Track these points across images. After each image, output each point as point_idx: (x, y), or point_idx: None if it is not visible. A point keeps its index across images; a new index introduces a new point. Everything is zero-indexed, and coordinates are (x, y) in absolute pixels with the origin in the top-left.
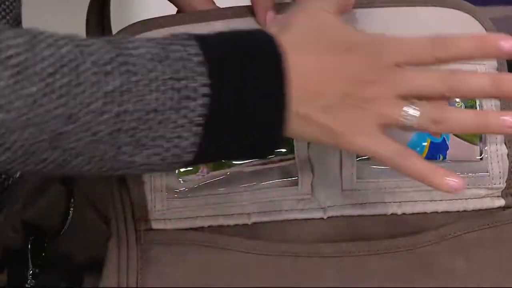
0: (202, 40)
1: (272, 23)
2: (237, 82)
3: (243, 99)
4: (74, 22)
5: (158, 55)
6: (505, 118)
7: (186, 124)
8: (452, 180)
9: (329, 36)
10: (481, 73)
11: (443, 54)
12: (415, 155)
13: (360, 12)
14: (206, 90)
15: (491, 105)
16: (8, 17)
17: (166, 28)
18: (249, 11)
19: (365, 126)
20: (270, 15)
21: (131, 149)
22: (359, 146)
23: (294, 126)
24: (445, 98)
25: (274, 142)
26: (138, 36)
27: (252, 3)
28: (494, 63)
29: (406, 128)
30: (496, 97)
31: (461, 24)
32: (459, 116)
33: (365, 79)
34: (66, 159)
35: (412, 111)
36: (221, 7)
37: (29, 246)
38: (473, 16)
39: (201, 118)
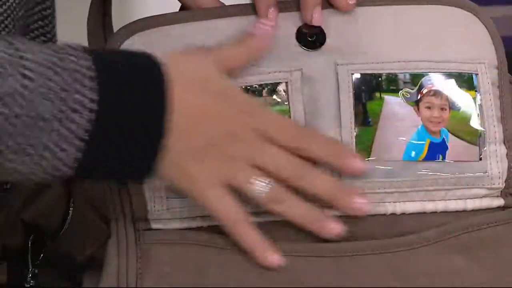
0: (97, 55)
1: (165, 56)
2: (124, 103)
3: (126, 121)
4: (76, 20)
5: (55, 65)
6: (355, 201)
7: (70, 137)
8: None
9: (216, 86)
10: (330, 179)
11: (303, 145)
12: (250, 228)
13: (362, 11)
14: (94, 106)
15: (491, 104)
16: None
17: (166, 27)
18: (253, 8)
19: (217, 182)
20: (272, 13)
21: (14, 155)
22: (203, 199)
23: (165, 162)
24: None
25: (149, 169)
26: (137, 34)
27: (254, 0)
28: (494, 63)
29: (250, 197)
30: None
31: (463, 23)
32: (296, 204)
33: (237, 135)
34: None
35: (262, 185)
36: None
37: (29, 246)
38: (474, 15)
39: (86, 133)
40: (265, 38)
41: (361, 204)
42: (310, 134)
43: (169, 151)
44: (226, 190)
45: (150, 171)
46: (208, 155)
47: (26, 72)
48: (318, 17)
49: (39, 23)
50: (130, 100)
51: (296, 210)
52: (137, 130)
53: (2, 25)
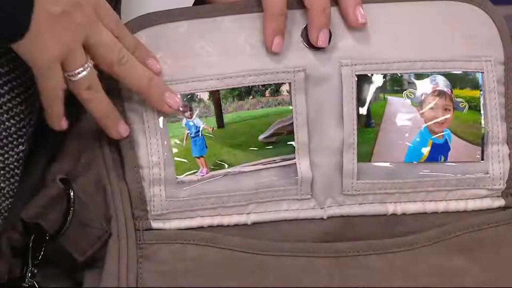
0: None
1: None
2: None
3: None
4: None
5: None
6: (167, 96)
7: None
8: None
9: None
10: (149, 74)
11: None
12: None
13: (367, 10)
14: None
15: (495, 103)
16: None
17: (173, 23)
18: (259, 5)
19: (57, 55)
20: (278, 45)
21: None
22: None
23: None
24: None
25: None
26: (142, 30)
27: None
28: (501, 59)
29: (68, 79)
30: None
31: (470, 18)
32: (101, 98)
33: (82, 6)
34: None
35: (85, 71)
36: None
37: (31, 245)
38: (482, 9)
39: None
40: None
41: (173, 100)
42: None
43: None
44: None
45: (20, 27)
46: (61, 25)
47: None
48: (324, 39)
49: None
50: None
51: (99, 103)
52: None
53: None
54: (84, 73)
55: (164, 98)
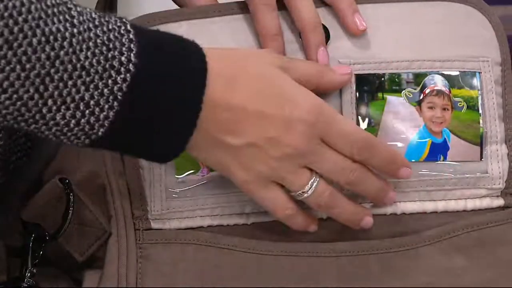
0: (136, 26)
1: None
2: (162, 71)
3: (162, 88)
4: None
5: (95, 20)
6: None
7: (107, 94)
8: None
9: (271, 91)
10: (380, 181)
11: (360, 157)
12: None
13: (365, 10)
14: (131, 67)
15: (493, 103)
16: None
17: (172, 24)
18: None
19: (261, 181)
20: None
21: (53, 103)
22: (247, 191)
23: (199, 140)
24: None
25: (176, 146)
26: None
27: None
28: (498, 59)
29: (296, 196)
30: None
31: (466, 19)
32: (344, 208)
33: (282, 141)
34: None
35: (310, 190)
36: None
37: (31, 245)
38: (478, 10)
39: (120, 93)
40: (344, 81)
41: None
42: (373, 146)
43: (201, 132)
44: (272, 186)
45: (178, 148)
46: (245, 155)
47: (69, 17)
48: (323, 57)
49: None
50: (168, 69)
51: (343, 214)
52: (171, 102)
53: None
54: (309, 192)
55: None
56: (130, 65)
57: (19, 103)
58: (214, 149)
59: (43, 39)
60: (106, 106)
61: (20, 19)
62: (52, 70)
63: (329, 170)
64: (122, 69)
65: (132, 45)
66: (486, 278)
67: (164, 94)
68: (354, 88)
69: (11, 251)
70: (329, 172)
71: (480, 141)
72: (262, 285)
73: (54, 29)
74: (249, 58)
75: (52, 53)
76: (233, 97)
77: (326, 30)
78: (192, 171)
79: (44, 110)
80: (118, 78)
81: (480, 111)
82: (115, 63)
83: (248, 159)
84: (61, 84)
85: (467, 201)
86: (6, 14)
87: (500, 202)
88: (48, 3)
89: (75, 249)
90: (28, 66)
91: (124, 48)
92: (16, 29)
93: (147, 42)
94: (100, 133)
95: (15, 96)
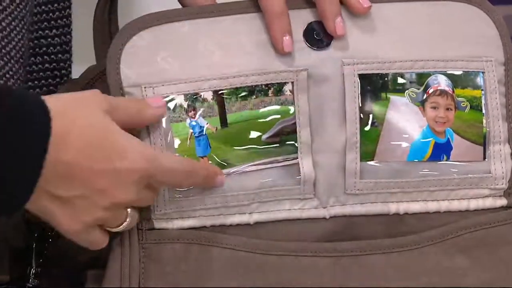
0: None
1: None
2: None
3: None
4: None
5: None
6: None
7: None
8: None
9: (100, 143)
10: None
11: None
12: None
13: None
14: None
15: (497, 103)
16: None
17: (175, 23)
18: (255, 6)
19: (84, 226)
20: (288, 41)
21: None
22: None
23: (36, 198)
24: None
25: (14, 205)
26: (144, 30)
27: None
28: (501, 59)
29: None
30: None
31: (470, 19)
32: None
33: (111, 192)
34: None
35: (125, 223)
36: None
37: (34, 245)
38: (482, 10)
39: None
40: (161, 114)
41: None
42: (193, 172)
43: (36, 191)
44: (92, 229)
45: (17, 206)
46: (73, 206)
47: None
48: (341, 27)
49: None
50: (8, 137)
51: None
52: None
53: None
54: (124, 225)
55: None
56: None
57: None
58: (44, 200)
59: None
60: None
61: None
62: None
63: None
64: None
65: None
66: (488, 278)
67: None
68: (358, 88)
69: (15, 251)
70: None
71: (483, 141)
72: (265, 285)
73: None
74: (78, 107)
75: None
76: (65, 154)
77: None
78: None
79: None
80: None
81: (484, 111)
82: None
83: (75, 210)
84: None
85: (470, 201)
86: None
87: (503, 202)
88: None
89: (78, 249)
90: None
91: None
92: None
93: None
94: None
95: None
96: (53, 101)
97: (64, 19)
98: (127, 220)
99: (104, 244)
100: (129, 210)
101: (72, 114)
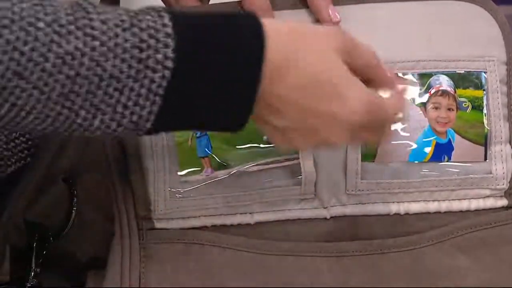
0: (174, 14)
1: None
2: (204, 60)
3: (207, 75)
4: None
5: (124, 23)
6: None
7: (145, 93)
8: None
9: (324, 83)
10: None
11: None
12: None
13: (370, 9)
14: (169, 63)
15: (498, 103)
16: None
17: None
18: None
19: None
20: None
21: (86, 113)
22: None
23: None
24: None
25: (236, 119)
26: None
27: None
28: (504, 59)
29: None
30: None
31: (472, 18)
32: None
33: (322, 134)
34: (18, 115)
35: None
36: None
37: (34, 245)
38: (484, 9)
39: (160, 89)
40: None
41: None
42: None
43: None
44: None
45: (240, 120)
46: (284, 132)
47: (90, 30)
48: (335, 15)
49: None
50: (211, 57)
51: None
52: (218, 86)
53: None
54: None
55: None
56: (167, 61)
57: (49, 119)
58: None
59: (57, 61)
60: (148, 103)
61: (26, 49)
62: (76, 87)
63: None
64: (159, 67)
65: (169, 40)
66: (489, 278)
67: (213, 79)
68: None
69: (14, 252)
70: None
71: (484, 142)
72: (265, 285)
73: (70, 48)
74: (315, 37)
75: (71, 72)
76: (277, 88)
77: None
78: (196, 169)
79: (79, 120)
80: (156, 76)
81: (485, 111)
82: (150, 63)
83: (287, 137)
84: (89, 96)
85: (471, 201)
86: (8, 48)
87: (503, 202)
88: (63, 21)
89: (78, 249)
90: (46, 89)
91: (160, 45)
92: (23, 60)
93: (189, 32)
94: (148, 126)
95: (42, 115)
96: (277, 26)
97: None
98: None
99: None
100: None
101: (302, 43)
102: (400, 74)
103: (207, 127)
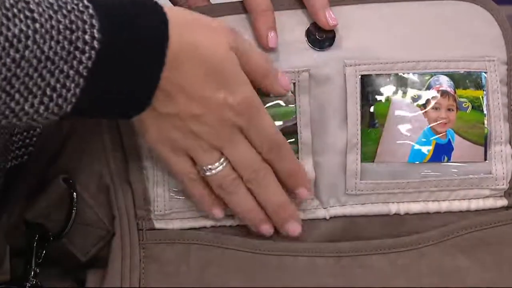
0: None
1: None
2: (124, 42)
3: (127, 58)
4: None
5: (54, 5)
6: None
7: (73, 75)
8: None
9: (214, 70)
10: (281, 195)
11: (268, 156)
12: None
13: (371, 10)
14: (95, 44)
15: (498, 103)
16: None
17: None
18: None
19: (176, 148)
20: (273, 38)
21: (20, 96)
22: (159, 154)
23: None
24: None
25: (141, 104)
26: None
27: (253, 21)
28: (504, 59)
29: (201, 171)
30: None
31: (472, 18)
32: (243, 198)
33: (204, 120)
34: None
35: (216, 170)
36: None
37: (34, 245)
38: (485, 8)
39: (85, 70)
40: (285, 89)
41: (294, 230)
42: (281, 150)
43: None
44: (181, 153)
45: (143, 104)
46: (166, 122)
47: (29, 13)
48: (332, 17)
49: None
50: (129, 41)
51: (242, 204)
52: (136, 68)
53: None
54: (213, 172)
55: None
56: (95, 42)
57: None
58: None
59: (6, 44)
60: (72, 85)
61: None
62: (18, 70)
63: (238, 160)
64: (87, 47)
65: (93, 21)
66: (489, 278)
67: (127, 60)
68: (359, 88)
69: (14, 251)
70: (237, 162)
71: (484, 142)
72: (265, 285)
73: (16, 31)
74: (211, 30)
75: (17, 55)
76: (175, 76)
77: (331, 31)
78: None
79: (13, 105)
80: (83, 57)
81: (485, 112)
82: (79, 44)
83: (167, 125)
84: (26, 79)
85: (471, 202)
86: None
87: (503, 202)
88: (7, 5)
89: (78, 249)
90: None
91: (86, 26)
92: None
93: (107, 12)
94: (68, 110)
95: None
96: (179, 14)
97: None
98: (219, 164)
99: (195, 177)
100: (223, 159)
101: (200, 34)
102: (400, 74)
103: (112, 110)
